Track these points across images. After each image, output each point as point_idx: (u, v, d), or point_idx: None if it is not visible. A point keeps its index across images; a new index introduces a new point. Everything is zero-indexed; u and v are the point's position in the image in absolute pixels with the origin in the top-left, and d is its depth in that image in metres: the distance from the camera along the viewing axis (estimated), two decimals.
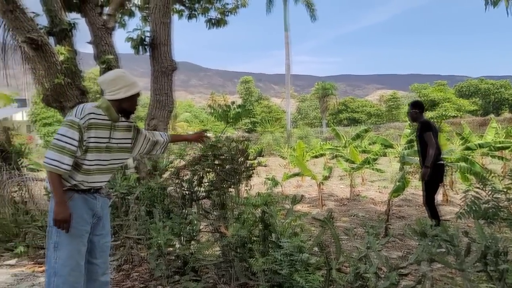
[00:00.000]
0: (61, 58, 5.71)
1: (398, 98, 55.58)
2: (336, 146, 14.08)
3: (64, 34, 6.31)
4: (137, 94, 2.79)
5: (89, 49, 7.15)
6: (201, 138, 3.53)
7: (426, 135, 5.26)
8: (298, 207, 8.42)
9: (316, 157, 12.89)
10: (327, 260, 3.27)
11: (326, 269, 3.22)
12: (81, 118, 2.60)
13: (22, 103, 51.89)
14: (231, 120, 4.09)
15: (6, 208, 5.49)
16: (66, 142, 2.56)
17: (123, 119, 2.85)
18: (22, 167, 6.08)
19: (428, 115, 31.09)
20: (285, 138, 32.41)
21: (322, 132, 44.12)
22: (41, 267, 4.68)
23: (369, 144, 15.85)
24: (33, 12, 6.10)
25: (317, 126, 53.31)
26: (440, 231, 3.02)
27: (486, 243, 2.45)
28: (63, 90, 5.81)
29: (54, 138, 2.59)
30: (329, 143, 18.09)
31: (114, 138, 2.81)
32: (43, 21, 6.45)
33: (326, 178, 8.00)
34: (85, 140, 2.62)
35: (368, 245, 3.24)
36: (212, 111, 4.12)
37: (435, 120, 30.33)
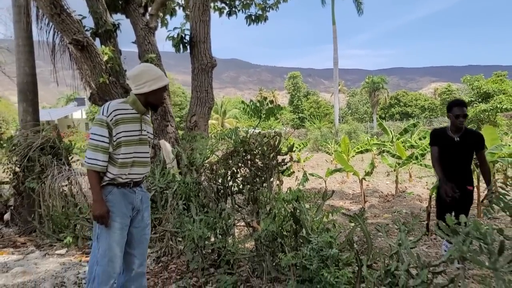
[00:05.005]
0: (105, 58, 5.95)
1: (453, 90, 53.24)
2: (384, 141, 13.73)
3: (108, 35, 6.58)
4: (163, 88, 2.88)
5: (135, 48, 7.40)
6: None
7: (483, 153, 4.14)
8: (340, 203, 8.30)
9: (361, 152, 12.66)
10: (358, 257, 3.22)
11: (357, 265, 3.18)
12: (108, 116, 2.74)
13: (81, 102, 54.59)
14: (263, 116, 4.09)
15: (57, 201, 5.82)
16: (98, 140, 2.73)
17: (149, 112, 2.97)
18: (72, 162, 6.40)
19: (481, 107, 29.41)
20: (333, 133, 31.99)
21: (372, 127, 43.15)
22: (88, 257, 4.91)
23: (419, 139, 15.31)
24: (80, 15, 6.42)
25: (368, 121, 52.16)
26: (472, 229, 2.90)
27: None
28: (108, 88, 6.06)
29: (89, 138, 2.75)
30: (377, 138, 17.67)
31: (145, 131, 2.94)
32: (89, 23, 6.77)
33: (368, 174, 7.81)
34: (114, 136, 2.76)
35: (400, 242, 3.16)
36: (245, 107, 4.14)
37: (489, 114, 28.58)
